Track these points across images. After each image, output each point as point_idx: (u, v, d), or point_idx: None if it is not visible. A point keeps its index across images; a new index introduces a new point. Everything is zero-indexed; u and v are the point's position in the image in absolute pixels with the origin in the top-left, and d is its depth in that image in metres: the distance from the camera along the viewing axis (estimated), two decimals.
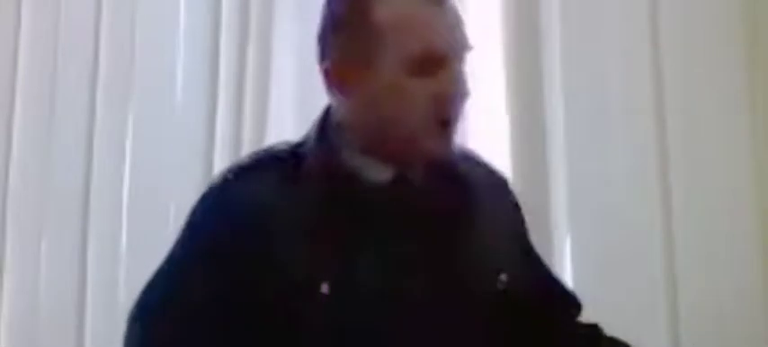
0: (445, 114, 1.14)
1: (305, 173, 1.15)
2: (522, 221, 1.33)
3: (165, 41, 2.38)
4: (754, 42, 1.84)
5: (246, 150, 2.21)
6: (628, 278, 1.81)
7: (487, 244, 1.20)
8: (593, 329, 1.28)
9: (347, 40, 1.17)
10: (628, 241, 1.84)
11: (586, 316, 1.31)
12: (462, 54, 1.16)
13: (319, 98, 2.19)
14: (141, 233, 2.32)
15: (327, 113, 1.22)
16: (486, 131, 2.00)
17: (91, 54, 2.43)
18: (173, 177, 2.31)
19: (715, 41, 1.86)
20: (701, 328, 1.80)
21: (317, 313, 1.08)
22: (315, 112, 2.12)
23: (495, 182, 1.31)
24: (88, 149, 2.40)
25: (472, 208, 1.21)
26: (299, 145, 1.21)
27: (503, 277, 1.20)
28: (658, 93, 1.88)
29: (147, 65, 2.39)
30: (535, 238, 1.35)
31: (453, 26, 1.16)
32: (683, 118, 1.86)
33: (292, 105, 2.19)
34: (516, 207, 1.32)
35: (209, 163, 2.26)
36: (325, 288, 1.09)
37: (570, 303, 1.32)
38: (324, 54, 1.19)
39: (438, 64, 1.12)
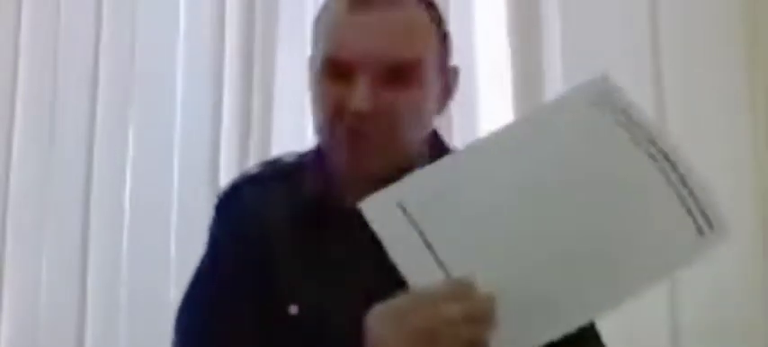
0: (346, 130, 1.05)
1: (297, 188, 1.14)
2: None
3: (166, 43, 2.38)
4: (754, 42, 1.84)
5: (251, 153, 2.21)
6: None
7: None
8: None
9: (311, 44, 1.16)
10: None
11: None
12: (387, 66, 1.05)
13: None
14: (142, 235, 2.32)
15: None
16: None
17: (91, 56, 2.43)
18: (174, 180, 2.31)
19: (715, 41, 1.86)
20: (702, 328, 1.80)
21: (286, 333, 1.07)
22: None
23: None
24: (89, 151, 2.40)
25: None
26: (304, 156, 1.19)
27: None
28: (658, 92, 1.88)
29: (147, 66, 2.39)
30: None
31: (374, 37, 1.06)
32: (683, 118, 1.86)
33: (299, 107, 2.18)
34: None
35: (212, 166, 2.26)
36: (293, 309, 1.07)
37: None
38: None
39: (343, 73, 1.05)
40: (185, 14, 2.37)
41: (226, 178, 2.23)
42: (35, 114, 2.48)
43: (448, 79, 1.15)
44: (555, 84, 1.96)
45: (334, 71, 1.07)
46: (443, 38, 1.13)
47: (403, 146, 1.09)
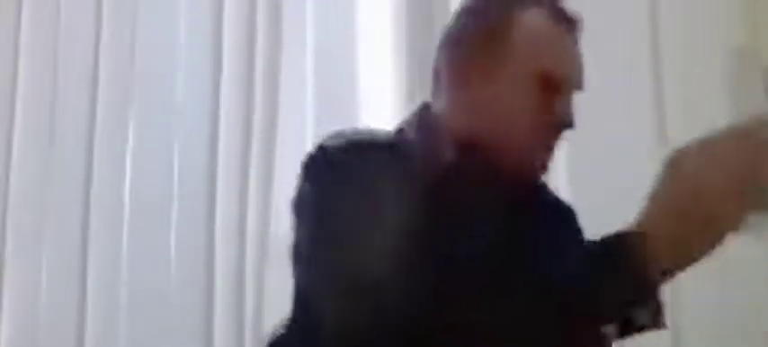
0: (551, 140, 1.15)
1: (407, 163, 1.08)
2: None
3: (166, 43, 2.38)
4: (754, 42, 1.84)
5: (251, 153, 2.21)
6: None
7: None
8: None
9: (480, 45, 1.16)
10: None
11: None
12: (579, 87, 1.18)
13: (333, 93, 2.20)
14: (142, 235, 2.32)
15: (425, 111, 1.19)
16: None
17: (91, 55, 2.43)
18: (174, 179, 2.31)
19: (715, 41, 1.86)
20: (702, 329, 1.80)
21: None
22: (326, 109, 2.15)
23: (564, 209, 1.31)
24: (89, 151, 2.40)
25: (554, 231, 1.21)
26: (396, 134, 1.17)
27: None
28: (658, 92, 1.88)
29: (147, 65, 2.39)
30: None
31: (577, 58, 1.18)
32: (683, 118, 1.87)
33: (301, 102, 2.18)
34: (580, 234, 1.30)
35: (211, 165, 2.26)
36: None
37: None
38: (448, 55, 1.19)
39: (556, 89, 1.14)
40: (185, 14, 2.37)
41: (225, 178, 2.23)
42: (35, 114, 2.48)
43: None
44: None
45: (545, 85, 1.13)
46: None
47: None
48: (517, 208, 1.13)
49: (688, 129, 1.86)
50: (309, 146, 2.11)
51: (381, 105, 2.11)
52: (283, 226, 2.20)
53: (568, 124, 1.15)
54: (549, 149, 1.15)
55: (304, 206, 1.11)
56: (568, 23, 1.18)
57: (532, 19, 1.16)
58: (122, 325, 2.29)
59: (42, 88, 2.48)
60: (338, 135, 1.13)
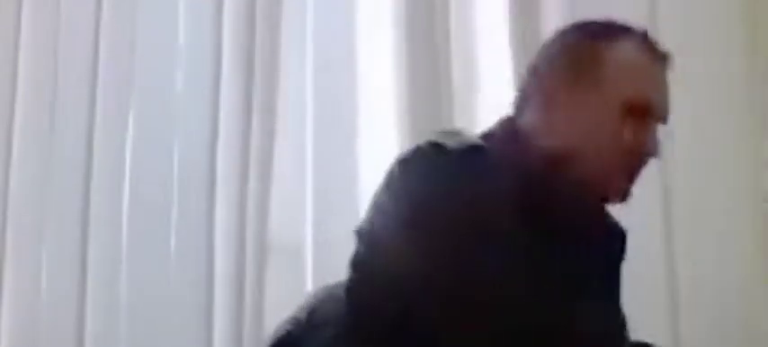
0: (633, 167, 1.19)
1: (504, 169, 1.08)
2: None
3: (166, 43, 2.38)
4: (754, 42, 1.85)
5: (251, 152, 2.21)
6: (627, 279, 1.80)
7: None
8: None
9: (571, 62, 1.21)
10: (628, 242, 1.84)
11: None
12: (664, 120, 1.22)
13: (332, 95, 2.19)
14: (142, 234, 2.32)
15: (509, 123, 1.23)
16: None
17: (91, 54, 2.43)
18: (174, 179, 2.31)
19: (715, 41, 1.86)
20: (702, 327, 1.80)
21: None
22: (327, 108, 2.15)
23: (620, 234, 1.29)
24: (88, 149, 2.40)
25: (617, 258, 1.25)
26: (485, 139, 1.17)
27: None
28: None
29: (147, 65, 2.38)
30: None
31: (666, 91, 1.22)
32: (683, 118, 1.86)
33: (301, 103, 2.19)
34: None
35: (211, 164, 2.26)
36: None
37: None
38: (539, 78, 1.23)
39: (644, 117, 1.18)
40: (185, 14, 2.37)
41: (225, 177, 2.23)
42: (35, 114, 2.48)
43: None
44: None
45: (634, 113, 1.17)
46: None
47: None
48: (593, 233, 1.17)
49: (688, 128, 1.86)
50: (309, 147, 2.11)
51: (382, 107, 2.11)
52: (283, 226, 2.21)
53: (652, 153, 1.19)
54: (631, 176, 1.20)
55: (416, 204, 1.03)
56: (657, 55, 1.23)
57: (623, 48, 1.22)
58: (122, 325, 2.29)
59: (42, 88, 2.48)
60: (448, 134, 1.10)
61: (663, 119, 1.22)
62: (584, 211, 1.17)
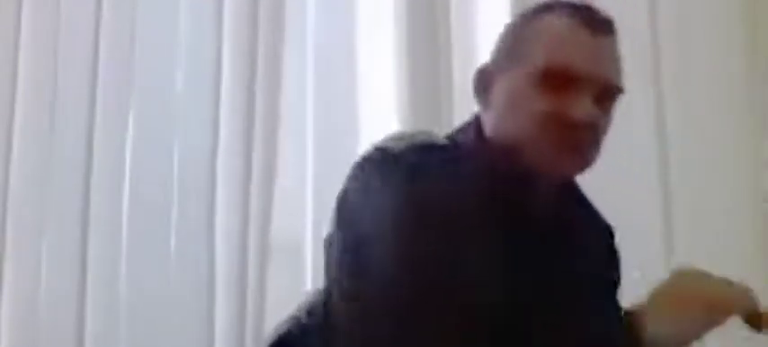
0: (562, 136, 1.10)
1: (471, 168, 1.09)
2: (613, 272, 1.30)
3: (166, 42, 2.38)
4: (754, 42, 1.85)
5: (253, 151, 2.21)
6: (627, 279, 1.81)
7: (597, 288, 1.20)
8: None
9: (503, 47, 1.19)
10: (627, 242, 1.84)
11: None
12: (606, 91, 1.14)
13: (333, 94, 2.19)
14: (142, 233, 2.32)
15: (476, 120, 1.19)
16: None
17: (91, 54, 2.43)
18: (174, 179, 2.31)
19: (715, 41, 1.86)
20: None
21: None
22: (328, 107, 2.15)
23: (597, 224, 1.29)
24: (88, 151, 2.40)
25: (583, 243, 1.21)
26: (455, 141, 1.18)
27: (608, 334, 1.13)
28: (658, 92, 1.88)
29: (147, 64, 2.38)
30: None
31: (602, 59, 1.15)
32: (683, 118, 1.87)
33: (302, 102, 2.18)
34: (612, 255, 1.31)
35: (211, 163, 2.26)
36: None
37: None
38: (483, 65, 1.21)
39: (567, 84, 1.11)
40: (185, 13, 2.37)
41: (226, 177, 2.23)
42: (35, 114, 2.48)
43: None
44: None
45: (551, 81, 1.11)
46: None
47: (591, 164, 1.16)
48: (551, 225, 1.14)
49: (688, 128, 1.86)
50: (310, 146, 2.11)
51: (382, 107, 2.11)
52: (284, 226, 2.21)
53: (578, 119, 1.10)
54: (563, 146, 1.11)
55: (364, 207, 1.07)
56: (590, 24, 1.15)
57: (544, 20, 1.16)
58: (122, 325, 2.29)
59: (42, 87, 2.48)
60: (399, 137, 1.13)
61: (600, 89, 1.13)
62: (522, 203, 1.12)
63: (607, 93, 1.15)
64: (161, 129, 2.35)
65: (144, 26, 2.40)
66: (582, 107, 1.10)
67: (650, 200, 1.86)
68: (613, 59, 1.18)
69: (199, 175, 2.27)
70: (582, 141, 1.12)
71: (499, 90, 1.16)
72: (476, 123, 1.19)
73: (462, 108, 2.01)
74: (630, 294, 1.83)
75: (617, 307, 1.21)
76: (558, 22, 1.15)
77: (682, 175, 1.85)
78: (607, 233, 1.30)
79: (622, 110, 1.90)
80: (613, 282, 1.29)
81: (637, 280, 1.86)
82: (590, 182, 1.92)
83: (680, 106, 1.87)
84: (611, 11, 1.97)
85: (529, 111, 1.11)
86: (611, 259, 1.30)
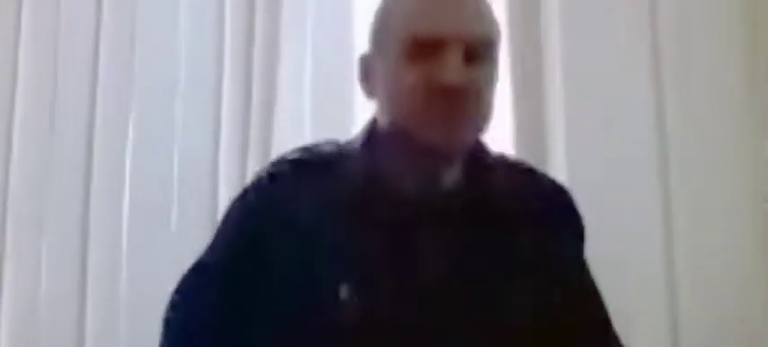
0: (439, 104, 1.06)
1: (340, 177, 1.14)
2: (569, 243, 1.21)
3: (166, 40, 2.38)
4: (754, 42, 1.85)
5: (251, 152, 2.21)
6: (627, 279, 1.81)
7: (508, 272, 1.12)
8: None
9: (373, 32, 1.18)
10: (627, 242, 1.84)
11: None
12: (472, 43, 1.08)
13: (330, 97, 2.19)
14: (142, 233, 2.32)
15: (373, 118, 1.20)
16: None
17: (91, 54, 2.43)
18: (174, 179, 2.31)
19: (715, 41, 1.86)
20: (701, 328, 1.80)
21: (335, 316, 1.06)
22: (325, 111, 2.15)
23: (545, 195, 1.21)
24: (88, 151, 2.40)
25: (503, 220, 1.14)
26: (346, 146, 1.20)
27: (514, 320, 1.10)
28: (658, 93, 1.88)
29: (148, 65, 2.38)
30: None
31: (463, 15, 1.10)
32: (683, 118, 1.87)
33: (301, 102, 2.18)
34: (568, 226, 1.22)
35: (212, 163, 2.26)
36: (344, 292, 1.07)
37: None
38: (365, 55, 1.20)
39: (430, 51, 1.07)
40: (185, 13, 2.37)
41: (226, 177, 2.23)
42: (35, 114, 2.48)
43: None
44: (555, 86, 1.96)
45: (417, 51, 1.08)
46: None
47: (483, 122, 1.12)
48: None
49: (688, 128, 1.86)
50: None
51: None
52: None
53: (449, 81, 1.05)
54: (441, 115, 1.07)
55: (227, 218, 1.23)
56: None
57: None
58: (122, 325, 2.29)
59: (42, 87, 2.48)
60: (291, 153, 1.21)
61: (469, 45, 1.08)
62: (395, 200, 1.11)
63: (480, 46, 1.09)
64: (161, 129, 2.35)
65: (144, 26, 2.40)
66: (451, 70, 1.06)
67: (650, 200, 1.86)
68: (477, 11, 1.12)
69: (199, 175, 2.27)
70: (460, 104, 1.07)
71: (377, 75, 1.15)
72: (371, 120, 1.19)
73: None
74: (631, 294, 1.84)
75: (552, 280, 1.13)
76: None
77: (682, 175, 1.85)
78: (555, 199, 1.22)
79: (623, 110, 1.91)
80: (557, 252, 1.18)
81: (637, 280, 1.87)
82: (590, 183, 1.93)
83: (680, 106, 1.87)
84: (612, 11, 1.98)
85: (401, 87, 1.09)
86: (557, 226, 1.20)
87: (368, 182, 1.13)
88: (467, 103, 1.08)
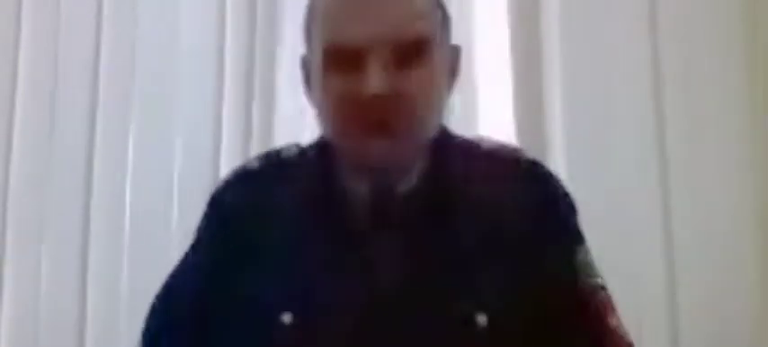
0: (364, 119, 0.97)
1: (295, 187, 1.08)
2: (549, 237, 1.07)
3: (167, 40, 2.38)
4: (754, 42, 1.84)
5: (252, 152, 2.21)
6: (627, 279, 1.81)
7: (470, 275, 1.02)
8: None
9: (304, 32, 1.09)
10: (627, 242, 1.84)
11: None
12: (396, 46, 0.97)
13: None
14: (142, 235, 2.32)
15: None
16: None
17: (91, 55, 2.43)
18: (174, 179, 2.31)
19: (715, 41, 1.86)
20: (701, 328, 1.80)
21: (278, 340, 1.01)
22: None
23: (520, 188, 1.09)
24: (89, 151, 2.40)
25: (461, 226, 1.04)
26: (306, 150, 1.14)
27: (480, 318, 1.00)
28: (658, 93, 1.88)
29: (148, 65, 2.38)
30: None
31: (382, 17, 0.98)
32: (683, 118, 1.87)
33: (300, 105, 2.18)
34: (548, 218, 1.08)
35: (213, 164, 2.26)
36: (287, 317, 1.01)
37: None
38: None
39: (349, 61, 0.97)
40: (186, 13, 2.37)
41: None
42: (35, 114, 2.48)
43: (452, 59, 1.09)
44: (554, 87, 1.96)
45: (338, 61, 0.99)
46: (443, 15, 1.07)
47: (423, 129, 1.02)
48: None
49: (688, 128, 1.86)
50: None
51: None
52: None
53: (376, 95, 0.95)
54: (377, 127, 0.97)
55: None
56: None
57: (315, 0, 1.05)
58: (122, 324, 2.29)
59: (42, 87, 2.48)
60: (250, 161, 1.17)
61: (394, 48, 0.97)
62: (340, 205, 1.05)
63: (409, 47, 0.98)
64: (162, 129, 2.35)
65: (144, 26, 2.40)
66: (370, 79, 0.96)
67: (650, 200, 1.86)
68: (402, 9, 0.99)
69: (199, 176, 2.27)
70: (388, 116, 0.97)
71: (312, 78, 1.07)
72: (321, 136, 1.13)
73: (462, 105, 2.01)
74: (632, 293, 1.84)
75: (525, 279, 1.03)
76: None
77: (682, 175, 1.85)
78: (534, 190, 1.10)
79: (623, 110, 1.91)
80: (533, 249, 1.06)
81: (637, 280, 1.87)
82: (590, 183, 1.93)
83: (680, 106, 1.87)
84: (612, 10, 1.98)
85: (327, 101, 1.02)
86: (536, 221, 1.07)
87: (322, 191, 1.06)
88: (396, 114, 0.97)
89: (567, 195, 1.13)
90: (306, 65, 1.09)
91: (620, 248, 1.81)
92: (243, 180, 1.14)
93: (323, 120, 1.06)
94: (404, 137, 1.00)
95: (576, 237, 1.11)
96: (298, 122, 2.18)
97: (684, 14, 1.88)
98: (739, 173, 1.83)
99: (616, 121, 1.91)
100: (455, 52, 1.10)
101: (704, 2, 1.89)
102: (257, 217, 1.08)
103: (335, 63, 0.99)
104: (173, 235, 2.27)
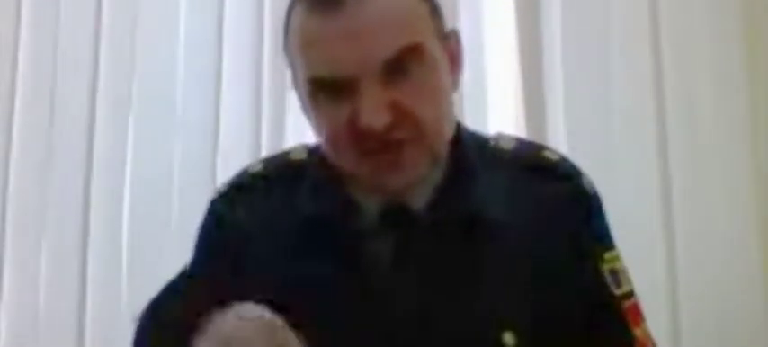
0: (367, 145, 0.92)
1: (301, 195, 1.04)
2: (580, 254, 1.03)
3: (166, 41, 2.38)
4: (754, 42, 1.85)
5: (252, 152, 2.21)
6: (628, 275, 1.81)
7: (496, 292, 0.98)
8: None
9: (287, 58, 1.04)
10: (627, 243, 1.83)
11: None
12: (384, 62, 0.91)
13: None
14: (142, 234, 2.32)
15: None
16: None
17: (91, 55, 2.43)
18: (174, 179, 2.31)
19: (715, 41, 1.86)
20: (703, 327, 1.80)
21: None
22: None
23: (543, 193, 1.04)
24: (88, 151, 2.40)
25: (483, 245, 0.99)
26: (314, 153, 1.09)
27: (507, 337, 0.95)
28: (658, 93, 1.88)
29: (148, 66, 2.38)
30: None
31: (361, 35, 0.91)
32: (682, 118, 1.87)
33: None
34: (573, 224, 1.05)
35: (211, 165, 2.26)
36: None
37: None
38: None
39: (341, 89, 0.92)
40: (187, 12, 2.37)
41: (226, 178, 2.23)
42: (35, 113, 2.48)
43: (451, 47, 1.03)
44: (555, 88, 1.96)
45: (327, 90, 0.93)
46: (431, 7, 1.00)
47: (435, 132, 0.96)
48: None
49: (688, 128, 1.86)
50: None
51: None
52: None
53: (362, 122, 0.90)
54: (386, 158, 0.93)
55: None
56: (327, 3, 0.92)
57: (294, 18, 0.97)
58: (122, 325, 2.29)
59: (42, 87, 2.48)
60: (255, 164, 1.14)
61: (371, 71, 0.90)
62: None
63: (398, 62, 0.92)
64: (162, 128, 2.35)
65: (144, 26, 2.40)
66: (366, 110, 0.90)
67: (650, 200, 1.86)
68: (380, 25, 0.91)
69: (200, 175, 2.27)
70: (390, 142, 0.93)
71: (301, 99, 1.01)
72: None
73: (463, 105, 2.01)
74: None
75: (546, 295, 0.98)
76: (300, 20, 0.96)
77: (682, 176, 1.85)
78: (557, 193, 1.05)
79: (623, 110, 1.91)
80: (556, 263, 1.01)
81: (636, 281, 1.87)
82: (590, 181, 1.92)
83: (680, 105, 1.87)
84: (612, 10, 1.98)
85: (323, 130, 0.97)
86: (560, 228, 1.03)
87: (328, 202, 1.01)
88: (405, 133, 0.93)
89: (595, 195, 1.10)
90: (298, 90, 1.03)
91: (620, 248, 1.81)
92: (244, 187, 1.11)
93: (322, 144, 1.01)
94: (410, 156, 0.95)
95: (605, 243, 1.10)
96: (299, 122, 2.18)
97: (685, 14, 1.88)
98: (741, 172, 1.83)
99: (616, 124, 1.91)
100: (454, 37, 1.04)
101: (704, 2, 1.89)
102: (257, 228, 1.05)
103: (324, 92, 0.94)
104: (172, 235, 2.27)
